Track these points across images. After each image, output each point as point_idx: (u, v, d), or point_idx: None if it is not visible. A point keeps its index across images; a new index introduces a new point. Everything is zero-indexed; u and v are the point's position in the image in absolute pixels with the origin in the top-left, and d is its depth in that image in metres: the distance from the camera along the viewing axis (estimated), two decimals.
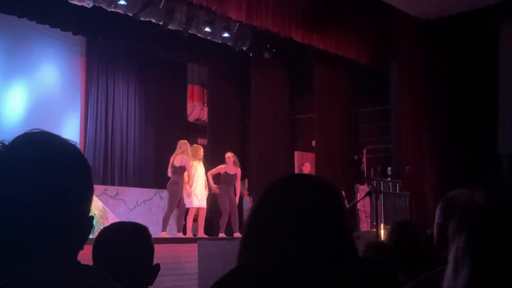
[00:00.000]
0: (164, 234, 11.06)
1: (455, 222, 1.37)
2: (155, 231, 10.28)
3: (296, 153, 15.50)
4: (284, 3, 12.18)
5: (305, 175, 1.74)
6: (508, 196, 1.41)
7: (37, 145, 1.30)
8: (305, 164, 13.17)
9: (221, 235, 11.63)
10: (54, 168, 1.28)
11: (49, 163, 1.28)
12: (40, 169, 1.27)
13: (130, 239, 2.49)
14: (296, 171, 14.04)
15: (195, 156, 11.48)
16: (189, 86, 16.83)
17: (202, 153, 11.72)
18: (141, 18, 12.10)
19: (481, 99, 12.27)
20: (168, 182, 11.39)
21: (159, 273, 2.54)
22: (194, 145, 12.03)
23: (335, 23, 12.99)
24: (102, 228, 2.60)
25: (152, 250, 2.52)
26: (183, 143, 11.46)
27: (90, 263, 2.13)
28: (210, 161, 13.54)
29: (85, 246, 1.37)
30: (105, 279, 1.33)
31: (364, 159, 14.81)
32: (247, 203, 13.91)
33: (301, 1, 12.46)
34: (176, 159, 11.22)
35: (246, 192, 14.39)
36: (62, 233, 1.28)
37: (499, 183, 10.93)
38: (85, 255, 1.56)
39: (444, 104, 12.94)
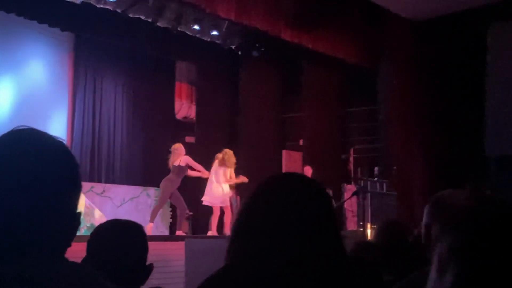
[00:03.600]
0: (150, 225, 11.04)
1: (441, 224, 1.37)
2: None
3: (284, 152, 15.51)
4: (273, 2, 12.18)
5: (294, 174, 1.74)
6: (493, 198, 1.42)
7: (24, 142, 1.29)
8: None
9: (210, 233, 11.61)
10: (41, 165, 1.27)
11: (36, 160, 1.27)
12: (27, 166, 1.26)
13: (126, 236, 2.48)
14: (284, 170, 14.05)
15: (229, 163, 11.50)
16: (177, 84, 16.78)
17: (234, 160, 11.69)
18: (130, 15, 12.07)
19: (470, 100, 12.32)
20: (164, 178, 11.40)
21: None
22: (227, 151, 11.92)
23: (325, 22, 13.00)
24: (88, 225, 2.59)
25: (146, 249, 2.52)
26: (176, 147, 11.47)
27: (78, 260, 2.11)
28: (198, 160, 13.51)
29: (73, 243, 1.36)
30: (94, 276, 1.33)
31: (351, 159, 14.85)
32: (235, 202, 13.89)
33: (291, 0, 12.46)
34: (176, 160, 11.22)
35: (234, 191, 14.36)
36: (50, 230, 1.27)
37: (485, 185, 10.99)
38: (73, 252, 1.55)
39: (432, 104, 12.99)
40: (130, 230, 2.54)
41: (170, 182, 11.22)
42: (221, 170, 11.45)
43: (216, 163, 11.49)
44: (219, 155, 11.55)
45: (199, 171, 11.42)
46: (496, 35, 11.41)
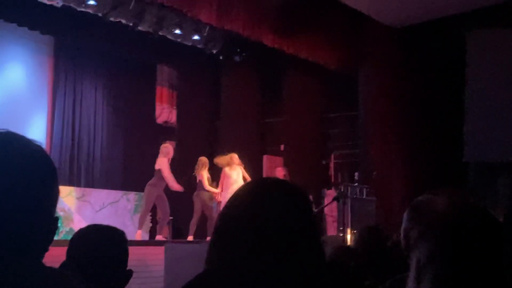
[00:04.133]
0: (138, 232, 11.08)
1: (419, 229, 1.38)
2: None
3: (265, 157, 15.51)
4: (255, 7, 12.19)
5: (274, 179, 1.74)
6: (470, 204, 1.43)
7: (1, 146, 1.28)
8: (277, 168, 13.16)
9: (190, 238, 11.58)
10: (19, 169, 1.27)
11: (14, 164, 1.27)
12: (4, 170, 1.25)
13: (107, 242, 2.48)
14: (265, 175, 14.05)
15: (231, 163, 11.52)
16: (158, 88, 16.74)
17: (237, 159, 11.72)
18: (111, 19, 12.01)
19: (449, 106, 12.41)
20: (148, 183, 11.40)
21: None
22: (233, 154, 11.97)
23: (306, 28, 13.03)
24: (67, 229, 2.59)
25: (127, 255, 2.52)
26: (162, 146, 11.63)
27: (56, 264, 2.10)
28: (178, 164, 13.49)
29: (50, 247, 1.35)
30: (70, 281, 1.32)
31: (332, 164, 14.89)
32: (216, 206, 13.85)
33: (272, 5, 12.48)
34: (157, 162, 11.30)
35: (215, 196, 14.32)
36: (27, 234, 1.26)
37: (463, 191, 11.07)
38: (51, 257, 1.54)
39: (412, 110, 13.07)
40: (112, 235, 2.54)
41: (152, 187, 11.23)
42: (237, 171, 11.48)
43: (228, 168, 11.55)
44: (225, 159, 11.58)
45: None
46: (475, 42, 11.51)
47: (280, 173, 12.64)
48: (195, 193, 11.84)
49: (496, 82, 11.27)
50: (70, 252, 2.44)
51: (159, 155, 11.37)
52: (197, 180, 11.88)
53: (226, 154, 11.84)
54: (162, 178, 11.22)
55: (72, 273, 2.22)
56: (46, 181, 1.31)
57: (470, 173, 11.72)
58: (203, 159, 11.97)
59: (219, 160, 11.85)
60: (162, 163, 11.26)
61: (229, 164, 11.63)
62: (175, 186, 11.43)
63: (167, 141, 12.36)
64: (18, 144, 1.31)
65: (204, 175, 11.78)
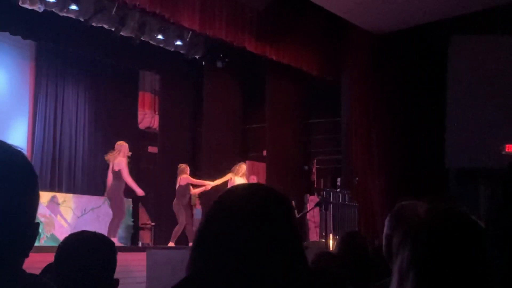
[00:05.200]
0: (114, 241, 10.91)
1: (401, 235, 1.39)
2: None
3: (247, 162, 15.51)
4: (238, 13, 12.21)
5: (256, 184, 1.74)
6: (451, 210, 1.44)
7: None
8: (251, 176, 13.21)
9: (171, 244, 11.55)
10: None
11: None
12: None
13: (96, 250, 2.45)
14: (246, 181, 14.04)
15: (239, 172, 11.56)
16: (141, 93, 16.70)
17: (244, 169, 11.81)
18: (93, 24, 11.99)
19: (431, 112, 12.48)
20: (110, 187, 11.12)
21: None
22: (241, 163, 12.05)
23: (288, 34, 13.07)
24: (48, 235, 2.57)
25: (115, 264, 2.49)
26: (118, 145, 11.18)
27: (37, 270, 2.09)
28: (160, 170, 13.45)
29: (32, 254, 1.34)
30: None
31: (314, 170, 14.92)
32: (199, 212, 13.85)
33: (255, 11, 12.51)
34: (114, 163, 10.90)
35: (198, 202, 14.32)
36: (6, 241, 1.25)
37: (445, 197, 11.13)
38: (32, 263, 1.53)
39: (394, 117, 13.14)
40: (101, 243, 2.51)
41: (116, 191, 11.03)
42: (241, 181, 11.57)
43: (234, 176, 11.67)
44: (234, 167, 11.82)
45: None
46: (457, 48, 11.59)
47: (253, 180, 12.66)
48: (174, 202, 11.72)
49: (477, 88, 11.35)
50: (59, 258, 2.42)
51: (116, 154, 10.89)
52: (177, 187, 11.80)
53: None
54: (121, 178, 10.85)
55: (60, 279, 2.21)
56: (26, 187, 1.30)
57: (451, 179, 11.79)
58: (182, 166, 11.96)
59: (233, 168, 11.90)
60: (122, 164, 10.81)
61: (237, 172, 11.68)
62: (137, 189, 11.11)
63: (142, 146, 12.19)
64: None
65: (187, 177, 11.76)
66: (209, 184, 11.96)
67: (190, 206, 12.10)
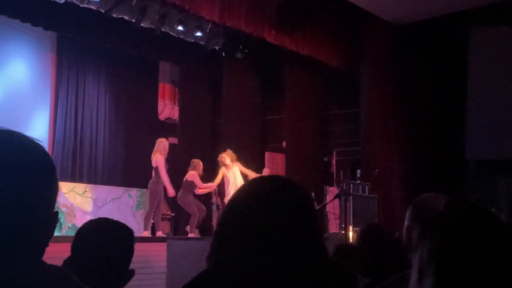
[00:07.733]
0: (145, 233, 11.01)
1: (421, 227, 1.39)
2: None
3: (266, 153, 15.52)
4: (257, 4, 12.18)
5: (276, 176, 1.74)
6: (468, 204, 1.43)
7: (1, 144, 1.29)
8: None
9: (191, 235, 11.58)
10: (18, 167, 1.27)
11: (13, 163, 1.27)
12: (3, 169, 1.26)
13: (115, 237, 2.44)
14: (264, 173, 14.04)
15: (224, 163, 11.55)
16: (161, 84, 16.74)
17: (226, 158, 11.67)
18: (114, 15, 12.02)
19: (451, 103, 12.41)
20: (150, 181, 11.32)
21: None
22: (222, 154, 11.93)
23: (308, 25, 13.02)
24: (69, 225, 2.57)
25: (132, 254, 2.46)
26: (158, 141, 11.40)
27: (60, 260, 2.10)
28: (180, 161, 13.49)
29: (53, 244, 1.36)
30: (71, 280, 1.33)
31: (333, 161, 14.88)
32: (216, 204, 13.86)
33: (274, 2, 12.47)
34: (153, 159, 11.11)
35: (215, 193, 14.32)
36: (27, 233, 1.27)
37: (463, 189, 11.07)
38: (54, 253, 1.55)
39: (413, 108, 13.05)
40: (119, 231, 2.49)
41: (155, 184, 11.16)
42: (234, 171, 11.51)
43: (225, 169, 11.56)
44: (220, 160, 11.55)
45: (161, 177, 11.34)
46: (478, 40, 11.51)
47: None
48: (179, 195, 11.62)
49: (498, 79, 11.27)
50: (75, 244, 2.40)
51: (156, 151, 11.13)
52: (184, 179, 11.73)
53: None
54: (158, 175, 11.08)
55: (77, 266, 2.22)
56: (46, 180, 1.32)
57: (471, 170, 11.72)
58: (195, 161, 11.88)
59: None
60: (160, 161, 11.04)
61: (224, 165, 11.60)
62: (169, 189, 11.26)
63: (163, 137, 12.20)
64: (18, 142, 1.31)
65: (195, 174, 11.66)
66: (213, 185, 11.94)
67: (197, 198, 12.05)
